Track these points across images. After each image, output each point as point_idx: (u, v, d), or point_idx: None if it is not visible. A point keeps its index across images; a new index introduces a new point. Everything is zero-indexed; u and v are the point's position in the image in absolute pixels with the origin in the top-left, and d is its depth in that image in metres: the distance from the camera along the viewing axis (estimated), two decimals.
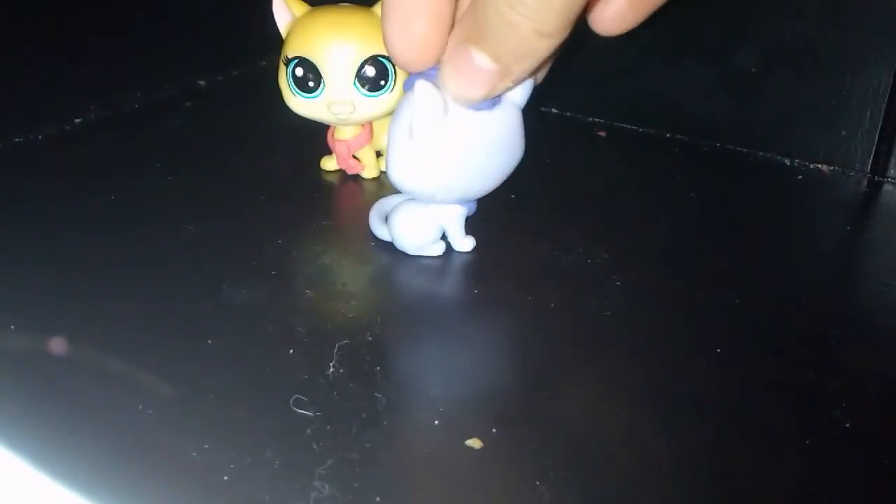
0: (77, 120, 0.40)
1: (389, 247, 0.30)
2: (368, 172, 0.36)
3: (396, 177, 0.27)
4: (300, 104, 0.34)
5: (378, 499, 0.19)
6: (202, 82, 0.46)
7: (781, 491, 0.20)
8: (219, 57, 0.47)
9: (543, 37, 0.22)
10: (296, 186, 0.36)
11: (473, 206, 0.29)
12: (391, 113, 0.30)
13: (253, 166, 0.37)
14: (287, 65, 0.33)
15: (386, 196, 0.33)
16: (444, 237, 0.30)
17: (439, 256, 0.30)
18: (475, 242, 0.30)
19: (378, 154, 0.37)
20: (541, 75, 0.27)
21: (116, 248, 0.30)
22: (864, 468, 0.21)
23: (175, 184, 0.35)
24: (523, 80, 0.25)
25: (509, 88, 0.25)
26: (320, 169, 0.37)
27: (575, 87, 0.42)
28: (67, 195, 0.33)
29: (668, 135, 0.41)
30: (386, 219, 0.30)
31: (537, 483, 0.20)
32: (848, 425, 0.22)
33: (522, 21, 0.21)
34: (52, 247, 0.30)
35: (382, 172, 0.36)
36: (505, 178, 0.28)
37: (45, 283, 0.27)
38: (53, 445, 0.21)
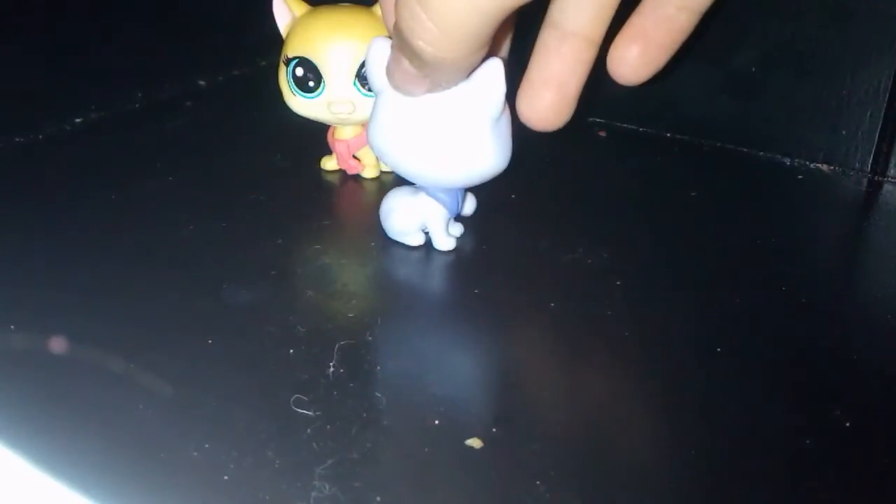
0: (77, 120, 0.40)
1: (390, 247, 0.30)
2: (369, 172, 0.36)
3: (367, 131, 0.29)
4: (300, 104, 0.34)
5: (378, 498, 0.19)
6: (202, 82, 0.46)
7: (781, 490, 0.20)
8: (219, 57, 0.47)
9: (451, 61, 0.23)
10: (296, 186, 0.36)
11: (455, 210, 0.30)
12: None
13: (253, 166, 0.37)
14: (287, 64, 0.33)
15: (394, 188, 0.33)
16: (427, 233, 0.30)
17: (439, 257, 0.30)
18: (455, 244, 0.30)
19: None
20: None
21: (116, 247, 0.30)
22: (864, 468, 0.21)
23: (175, 183, 0.35)
24: (457, 81, 0.26)
25: (450, 86, 0.26)
26: (320, 169, 0.37)
27: None
28: (67, 195, 0.33)
29: (668, 135, 0.41)
30: None
31: (538, 483, 0.20)
32: (848, 425, 0.22)
33: (426, 48, 0.22)
34: (52, 247, 0.30)
35: (383, 172, 0.36)
36: (471, 178, 0.28)
37: (44, 282, 0.27)
38: (54, 445, 0.21)
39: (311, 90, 0.33)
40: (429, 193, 0.29)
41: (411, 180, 0.29)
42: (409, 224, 0.30)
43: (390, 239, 0.30)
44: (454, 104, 0.26)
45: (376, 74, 0.27)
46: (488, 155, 0.27)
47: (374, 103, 0.28)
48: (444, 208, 0.29)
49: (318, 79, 0.33)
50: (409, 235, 0.30)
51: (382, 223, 0.30)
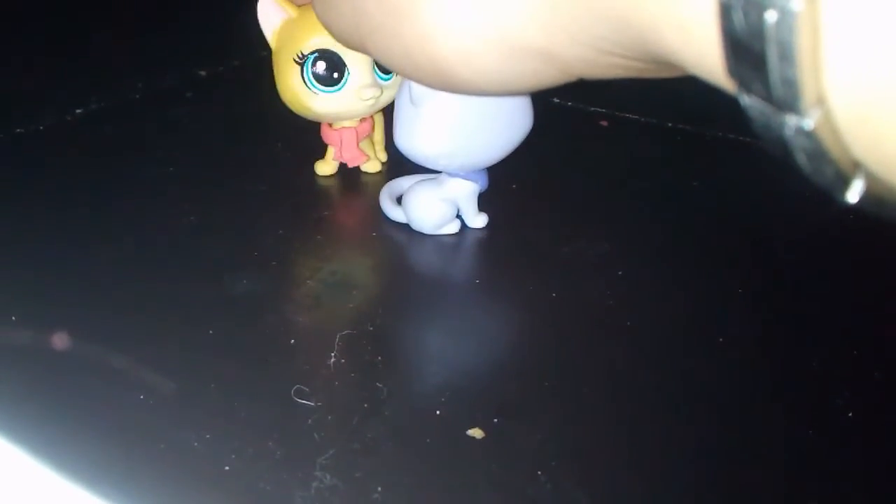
0: (78, 110, 0.40)
1: (391, 237, 0.30)
2: (371, 166, 0.36)
3: (401, 142, 0.28)
4: (324, 101, 0.32)
5: (379, 489, 0.19)
6: (203, 72, 0.46)
7: (784, 479, 0.20)
8: (219, 47, 0.47)
9: None
10: (297, 177, 0.35)
11: (485, 183, 0.29)
12: None
13: (254, 156, 0.37)
14: (302, 63, 0.32)
15: (396, 178, 0.33)
16: (458, 215, 0.30)
17: (440, 247, 0.30)
18: (488, 219, 0.31)
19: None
20: None
21: (117, 238, 0.30)
22: (867, 457, 0.21)
23: (176, 174, 0.35)
24: None
25: None
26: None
27: None
28: (68, 185, 0.33)
29: (669, 124, 0.41)
30: (398, 200, 0.31)
31: (538, 473, 0.20)
32: (851, 414, 0.22)
33: None
34: (53, 237, 0.30)
35: (384, 164, 0.36)
36: (510, 149, 0.28)
37: (45, 273, 0.27)
38: (55, 437, 0.21)
39: (335, 82, 0.32)
40: (456, 175, 0.29)
41: (449, 169, 0.29)
42: (447, 213, 0.30)
43: (391, 230, 0.30)
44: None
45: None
46: (526, 121, 0.28)
47: (410, 112, 0.27)
48: (475, 184, 0.29)
49: (342, 69, 0.32)
50: (447, 225, 0.30)
51: (416, 224, 0.30)
